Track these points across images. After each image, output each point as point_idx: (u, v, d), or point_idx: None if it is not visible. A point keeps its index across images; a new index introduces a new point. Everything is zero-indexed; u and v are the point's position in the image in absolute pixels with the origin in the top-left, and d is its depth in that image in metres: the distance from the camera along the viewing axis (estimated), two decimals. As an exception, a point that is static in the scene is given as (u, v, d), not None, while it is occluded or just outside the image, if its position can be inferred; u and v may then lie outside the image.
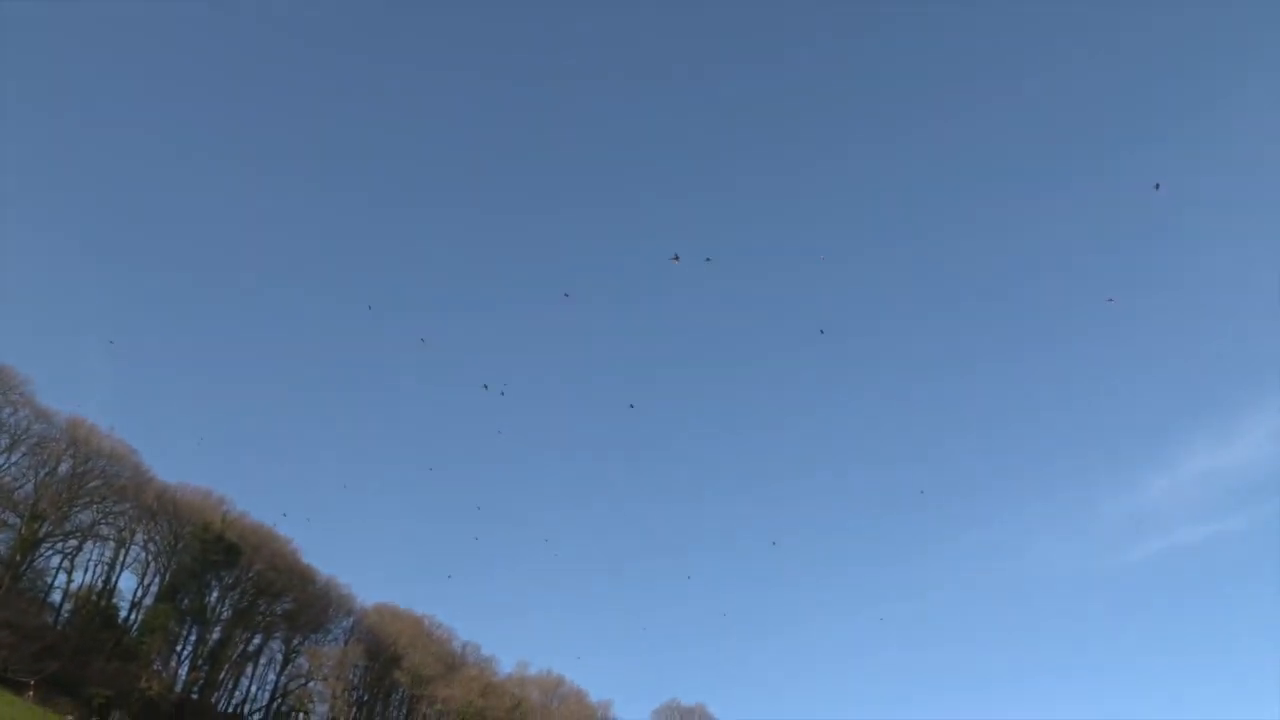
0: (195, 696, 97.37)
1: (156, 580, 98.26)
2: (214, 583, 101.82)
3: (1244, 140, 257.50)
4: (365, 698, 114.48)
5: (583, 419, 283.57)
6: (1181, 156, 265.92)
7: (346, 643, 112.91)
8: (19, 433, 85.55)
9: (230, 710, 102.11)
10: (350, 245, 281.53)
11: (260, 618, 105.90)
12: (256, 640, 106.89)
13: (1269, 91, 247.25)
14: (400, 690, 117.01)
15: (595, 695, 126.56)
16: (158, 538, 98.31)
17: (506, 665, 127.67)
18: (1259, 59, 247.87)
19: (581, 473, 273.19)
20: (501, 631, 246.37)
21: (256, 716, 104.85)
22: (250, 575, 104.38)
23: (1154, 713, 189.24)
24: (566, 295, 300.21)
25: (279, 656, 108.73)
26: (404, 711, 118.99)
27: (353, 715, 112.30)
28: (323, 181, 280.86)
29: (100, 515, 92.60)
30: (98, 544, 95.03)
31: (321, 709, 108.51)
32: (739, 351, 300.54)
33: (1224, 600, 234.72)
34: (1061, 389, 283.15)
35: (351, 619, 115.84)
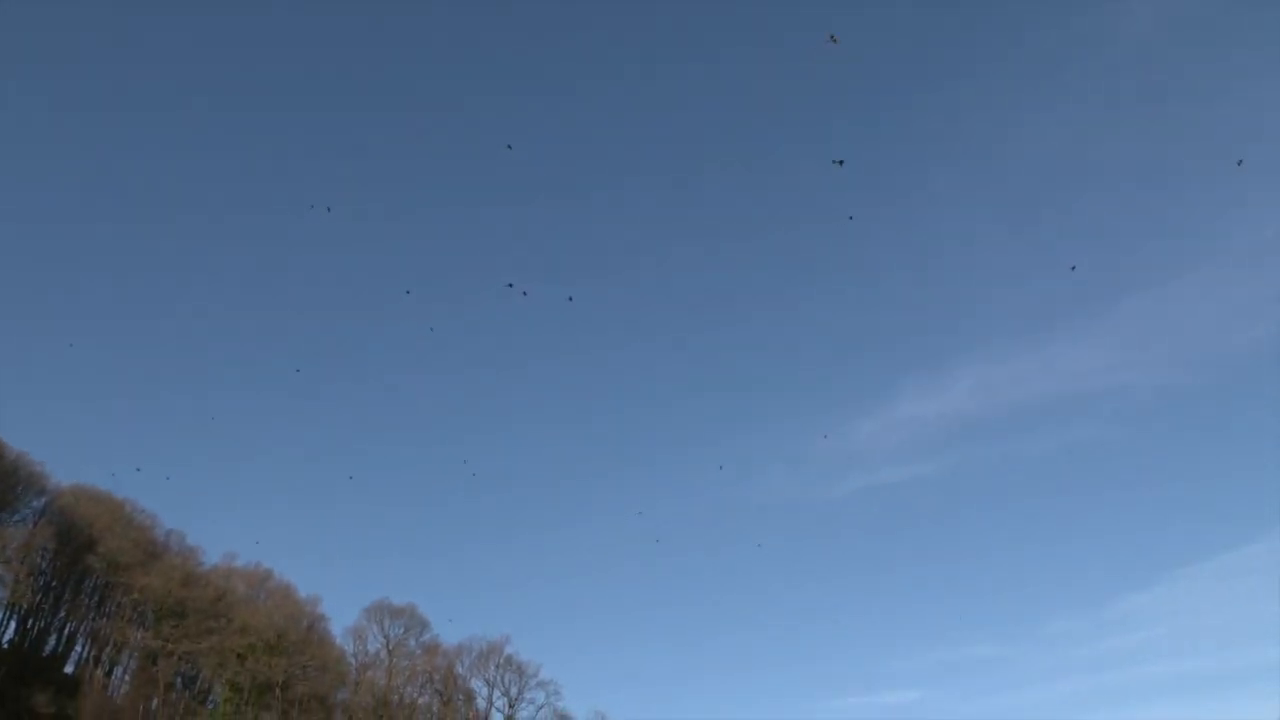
0: None
1: None
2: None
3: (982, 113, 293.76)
4: (53, 584, 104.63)
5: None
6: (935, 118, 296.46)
7: (35, 524, 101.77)
8: None
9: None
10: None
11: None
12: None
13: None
14: (94, 577, 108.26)
15: (304, 590, 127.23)
16: None
17: (213, 556, 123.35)
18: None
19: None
20: (209, 523, 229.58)
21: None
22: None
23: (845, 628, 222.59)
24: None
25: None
26: (96, 599, 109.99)
27: (37, 602, 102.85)
28: None
29: None
30: None
31: (0, 594, 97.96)
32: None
33: (916, 533, 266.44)
34: (788, 336, 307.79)
35: (44, 499, 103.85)
